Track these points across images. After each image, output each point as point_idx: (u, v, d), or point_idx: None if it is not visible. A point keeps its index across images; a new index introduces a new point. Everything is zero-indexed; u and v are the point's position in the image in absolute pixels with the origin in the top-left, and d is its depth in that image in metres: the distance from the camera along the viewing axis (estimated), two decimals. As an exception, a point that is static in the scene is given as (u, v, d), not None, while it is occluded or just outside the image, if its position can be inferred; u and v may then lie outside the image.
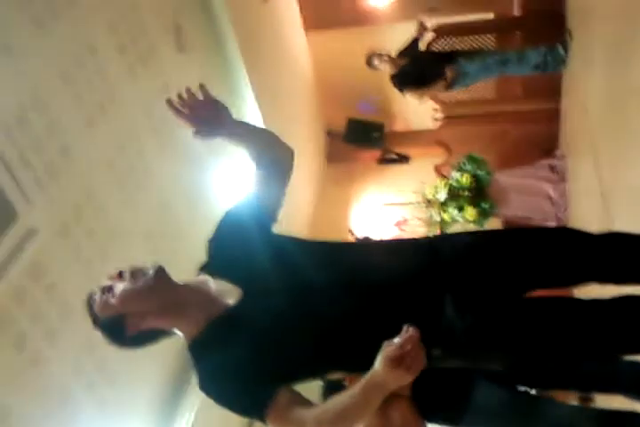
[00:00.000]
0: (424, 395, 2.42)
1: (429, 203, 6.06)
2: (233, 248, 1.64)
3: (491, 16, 6.22)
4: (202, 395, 3.28)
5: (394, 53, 5.18)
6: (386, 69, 5.18)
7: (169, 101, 1.61)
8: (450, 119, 6.42)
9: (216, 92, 4.22)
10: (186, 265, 1.82)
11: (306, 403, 1.47)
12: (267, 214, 1.70)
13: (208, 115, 1.63)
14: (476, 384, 2.45)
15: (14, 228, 2.26)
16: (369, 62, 5.26)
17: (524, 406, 2.51)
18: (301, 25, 6.03)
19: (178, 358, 3.36)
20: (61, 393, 2.48)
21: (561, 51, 4.98)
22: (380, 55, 5.19)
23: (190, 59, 3.70)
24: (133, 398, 2.97)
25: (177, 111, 1.61)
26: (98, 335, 2.62)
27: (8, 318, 2.23)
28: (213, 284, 1.61)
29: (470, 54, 5.16)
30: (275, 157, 1.73)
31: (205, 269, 1.67)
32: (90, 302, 1.61)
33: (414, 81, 5.10)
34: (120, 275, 1.57)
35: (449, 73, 5.01)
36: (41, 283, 2.38)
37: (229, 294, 1.57)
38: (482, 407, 2.44)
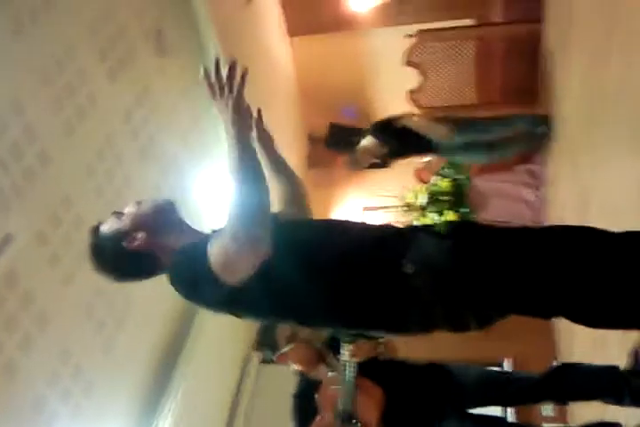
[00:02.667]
0: (395, 424, 2.47)
1: (410, 207, 6.09)
2: None
3: (471, 22, 6.24)
4: (178, 403, 3.29)
5: (367, 134, 4.87)
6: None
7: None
8: (430, 124, 6.44)
9: (198, 96, 4.22)
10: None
11: None
12: None
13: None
14: (446, 416, 2.50)
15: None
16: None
17: None
18: (284, 29, 6.02)
19: (154, 368, 3.34)
20: (36, 402, 2.45)
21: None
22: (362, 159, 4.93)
23: (171, 63, 3.67)
24: (109, 406, 2.94)
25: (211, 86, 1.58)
26: (73, 344, 2.63)
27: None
28: None
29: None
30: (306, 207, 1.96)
31: None
32: (94, 228, 1.73)
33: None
34: (139, 203, 1.72)
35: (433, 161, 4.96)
36: (16, 290, 2.35)
37: None
38: None
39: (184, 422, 3.37)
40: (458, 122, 4.83)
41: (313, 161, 6.65)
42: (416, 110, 6.42)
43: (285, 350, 2.49)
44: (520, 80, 5.78)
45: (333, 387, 2.47)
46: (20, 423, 2.37)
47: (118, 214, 1.72)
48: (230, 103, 1.53)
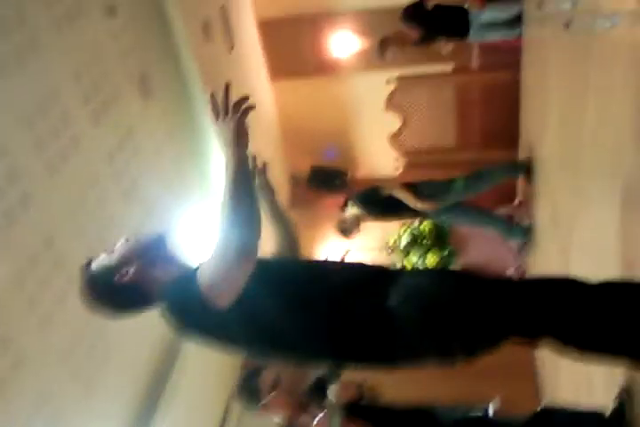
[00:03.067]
0: None
1: (392, 249, 6.12)
2: None
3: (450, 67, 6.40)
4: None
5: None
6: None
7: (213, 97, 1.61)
8: (410, 166, 6.55)
9: (182, 139, 4.26)
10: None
11: None
12: None
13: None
14: None
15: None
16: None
17: None
18: (267, 74, 6.13)
19: (135, 411, 3.27)
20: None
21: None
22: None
23: (155, 106, 3.71)
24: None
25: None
26: (49, 389, 2.57)
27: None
28: None
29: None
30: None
31: None
32: (86, 264, 1.76)
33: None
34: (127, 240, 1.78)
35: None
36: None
37: None
38: None
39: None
40: (437, 193, 4.78)
41: (296, 201, 6.68)
42: (398, 154, 6.55)
43: (269, 398, 2.45)
44: (499, 123, 5.91)
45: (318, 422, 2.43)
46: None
47: (109, 251, 1.76)
48: (232, 125, 1.56)
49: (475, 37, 4.97)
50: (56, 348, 2.67)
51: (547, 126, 4.45)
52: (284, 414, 2.52)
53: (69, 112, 2.88)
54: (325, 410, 2.45)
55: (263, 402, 2.47)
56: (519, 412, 2.73)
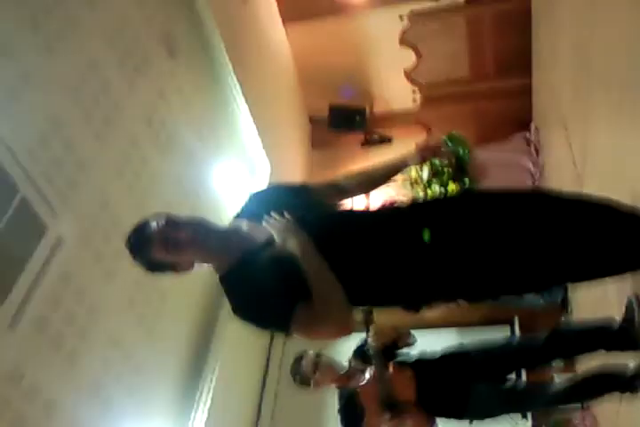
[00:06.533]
0: (429, 399, 2.74)
1: (414, 181, 6.30)
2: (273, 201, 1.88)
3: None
4: (217, 379, 3.55)
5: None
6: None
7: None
8: (428, 99, 6.65)
9: (206, 91, 4.41)
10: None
11: None
12: None
13: None
14: (473, 387, 2.76)
15: (44, 238, 2.49)
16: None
17: (513, 400, 2.84)
18: (280, 19, 6.16)
19: (193, 345, 3.62)
20: (94, 385, 2.72)
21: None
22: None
23: (180, 63, 3.87)
24: (157, 381, 3.22)
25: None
26: (121, 331, 2.90)
27: (45, 322, 2.47)
28: (245, 226, 1.84)
29: None
30: None
31: (239, 216, 1.92)
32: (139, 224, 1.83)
33: None
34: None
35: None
36: (70, 287, 2.62)
37: (260, 233, 1.79)
38: (478, 406, 2.76)
39: (223, 397, 3.65)
40: None
41: (316, 142, 6.85)
42: (413, 87, 6.64)
43: (314, 379, 2.79)
44: (511, 53, 5.94)
45: (367, 379, 2.74)
46: (85, 405, 2.65)
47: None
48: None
49: None
50: (121, 297, 2.98)
51: (559, 51, 4.50)
52: (334, 386, 2.87)
53: (107, 79, 3.06)
54: (372, 366, 2.77)
55: (312, 383, 2.81)
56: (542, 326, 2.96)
